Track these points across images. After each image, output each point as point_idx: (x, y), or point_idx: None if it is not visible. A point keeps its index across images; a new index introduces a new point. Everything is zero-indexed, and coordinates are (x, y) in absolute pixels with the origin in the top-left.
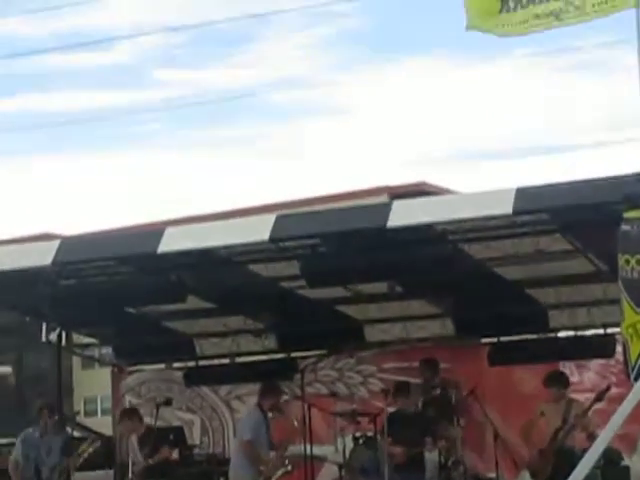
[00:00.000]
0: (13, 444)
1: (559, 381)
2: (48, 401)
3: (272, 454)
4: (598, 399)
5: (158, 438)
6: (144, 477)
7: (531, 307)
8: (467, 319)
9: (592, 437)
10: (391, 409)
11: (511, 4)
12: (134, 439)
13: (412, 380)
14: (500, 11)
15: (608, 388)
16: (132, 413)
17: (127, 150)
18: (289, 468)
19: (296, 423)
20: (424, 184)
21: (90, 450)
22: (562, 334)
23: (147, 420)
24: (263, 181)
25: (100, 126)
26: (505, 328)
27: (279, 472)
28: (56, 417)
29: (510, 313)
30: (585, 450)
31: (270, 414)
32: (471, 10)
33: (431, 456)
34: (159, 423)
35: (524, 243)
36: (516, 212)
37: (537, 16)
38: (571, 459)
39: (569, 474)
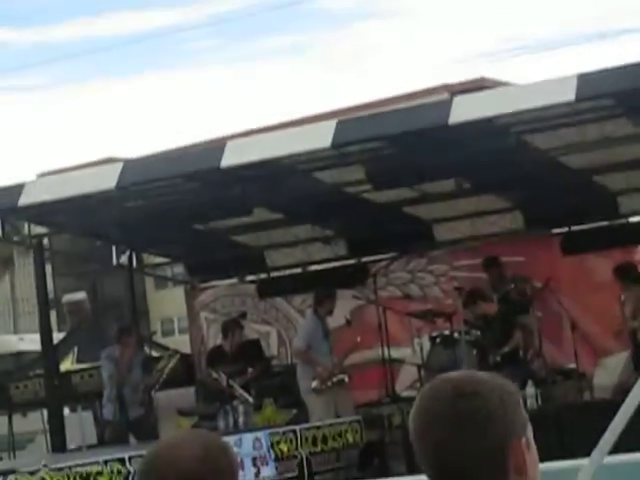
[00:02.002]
0: (91, 369)
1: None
2: (126, 323)
3: (335, 359)
4: None
5: (249, 357)
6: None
7: (600, 194)
8: (536, 211)
9: None
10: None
11: None
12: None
13: (484, 276)
14: None
15: None
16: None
17: (182, 68)
18: (346, 379)
19: (359, 339)
20: (483, 80)
21: (170, 365)
22: (633, 219)
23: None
24: (321, 89)
25: (152, 46)
26: (575, 217)
27: (334, 379)
28: (135, 337)
29: (579, 202)
30: None
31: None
32: None
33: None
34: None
35: (589, 130)
36: (579, 99)
37: None
38: None
39: None
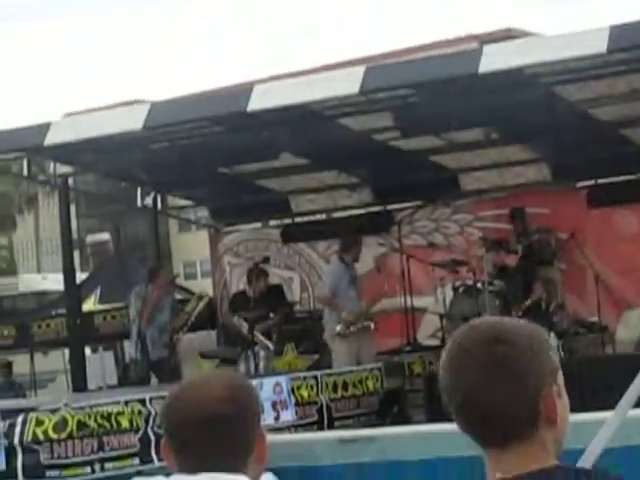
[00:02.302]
0: (113, 310)
1: None
2: (158, 263)
3: (362, 305)
4: None
5: (272, 302)
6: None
7: (627, 148)
8: (563, 163)
9: None
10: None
11: None
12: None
13: (509, 227)
14: None
15: None
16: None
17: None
18: (371, 325)
19: (387, 286)
20: (512, 30)
21: (200, 307)
22: None
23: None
24: (349, 37)
25: None
26: (602, 170)
27: (359, 325)
28: (167, 278)
29: (606, 155)
30: None
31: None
32: None
33: None
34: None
35: (619, 82)
36: (610, 50)
37: None
38: None
39: None
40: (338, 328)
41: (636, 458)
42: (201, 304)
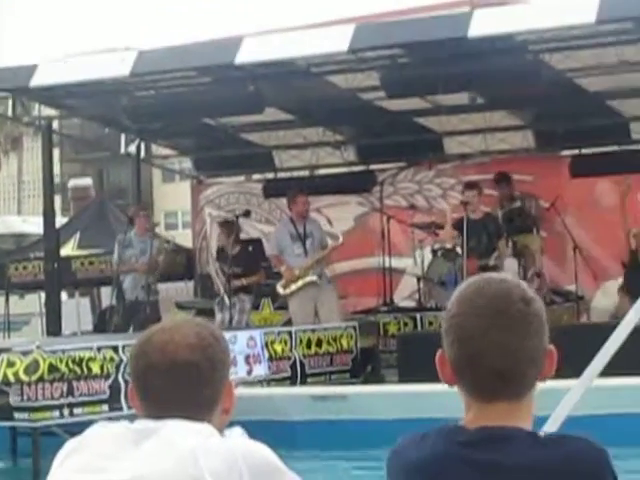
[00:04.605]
0: (92, 255)
1: None
2: (144, 204)
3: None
4: None
5: (252, 256)
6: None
7: (613, 119)
8: (548, 131)
9: None
10: (459, 215)
11: None
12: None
13: (492, 192)
14: None
15: None
16: (230, 227)
17: None
18: (315, 279)
19: (341, 239)
20: None
21: (168, 248)
22: None
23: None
24: None
25: None
26: (586, 140)
27: (300, 282)
28: (152, 220)
29: (591, 125)
30: None
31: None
32: None
33: (510, 267)
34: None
35: (607, 53)
36: (600, 21)
37: None
38: None
39: None
40: (278, 287)
41: (601, 427)
42: (167, 247)
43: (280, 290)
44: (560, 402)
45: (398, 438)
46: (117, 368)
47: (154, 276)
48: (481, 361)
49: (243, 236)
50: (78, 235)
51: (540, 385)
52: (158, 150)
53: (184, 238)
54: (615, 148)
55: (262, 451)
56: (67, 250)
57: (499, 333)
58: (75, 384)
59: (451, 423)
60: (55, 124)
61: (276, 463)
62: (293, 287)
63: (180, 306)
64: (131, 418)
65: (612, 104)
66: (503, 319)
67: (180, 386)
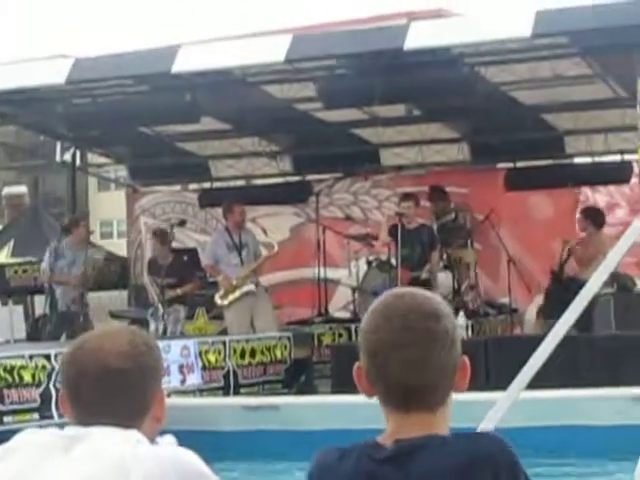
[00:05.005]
0: (26, 263)
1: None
2: (84, 214)
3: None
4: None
5: (187, 266)
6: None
7: (547, 133)
8: (483, 144)
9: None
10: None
11: None
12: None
13: (426, 204)
14: None
15: None
16: (164, 236)
17: None
18: (253, 288)
19: (276, 248)
20: (443, 10)
21: (100, 260)
22: (578, 160)
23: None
24: (280, 6)
25: None
26: (521, 153)
27: (238, 292)
28: (84, 231)
29: (526, 138)
30: None
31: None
32: None
33: (445, 279)
34: (174, 244)
35: (542, 67)
36: (535, 35)
37: None
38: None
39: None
40: (216, 297)
41: (526, 440)
42: (98, 257)
43: (218, 301)
44: (487, 414)
45: (316, 453)
46: (49, 376)
47: (84, 288)
48: (390, 375)
49: (179, 245)
50: (12, 243)
51: (469, 396)
52: (94, 158)
53: (119, 247)
54: (550, 162)
55: (191, 458)
56: (1, 258)
57: (407, 348)
58: (6, 392)
59: (370, 439)
60: None
61: (205, 471)
62: (231, 297)
63: (114, 315)
64: (61, 426)
65: (547, 118)
66: (411, 334)
67: (111, 393)
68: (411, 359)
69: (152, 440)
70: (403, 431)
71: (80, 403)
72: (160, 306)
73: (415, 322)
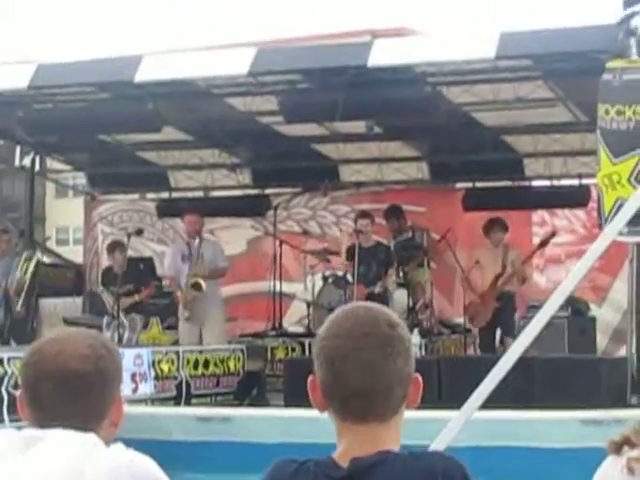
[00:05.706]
0: None
1: (500, 227)
2: (6, 228)
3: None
4: (543, 245)
5: (142, 275)
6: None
7: (507, 154)
8: (443, 163)
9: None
10: (351, 242)
11: None
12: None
13: (383, 222)
14: None
15: (553, 234)
16: (122, 247)
17: None
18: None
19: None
20: (406, 29)
21: (32, 266)
22: (537, 182)
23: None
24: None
25: None
26: (480, 174)
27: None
28: (16, 240)
29: (486, 159)
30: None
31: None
32: None
33: (400, 297)
34: (130, 253)
35: (504, 89)
36: (499, 56)
37: None
38: (511, 304)
39: (510, 318)
40: (179, 310)
41: (481, 459)
42: (31, 265)
43: (186, 314)
44: (440, 432)
45: (271, 465)
46: (1, 380)
47: (20, 293)
48: (347, 380)
49: (135, 254)
50: None
51: (423, 414)
52: (53, 164)
53: (75, 254)
54: (508, 183)
55: (146, 463)
56: None
57: (363, 353)
58: None
59: (325, 457)
60: None
61: (160, 475)
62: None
63: (67, 321)
64: (18, 429)
65: (507, 139)
66: (367, 340)
67: (70, 396)
68: (369, 362)
69: (109, 444)
70: (358, 447)
71: (39, 406)
72: (115, 314)
73: (373, 328)
